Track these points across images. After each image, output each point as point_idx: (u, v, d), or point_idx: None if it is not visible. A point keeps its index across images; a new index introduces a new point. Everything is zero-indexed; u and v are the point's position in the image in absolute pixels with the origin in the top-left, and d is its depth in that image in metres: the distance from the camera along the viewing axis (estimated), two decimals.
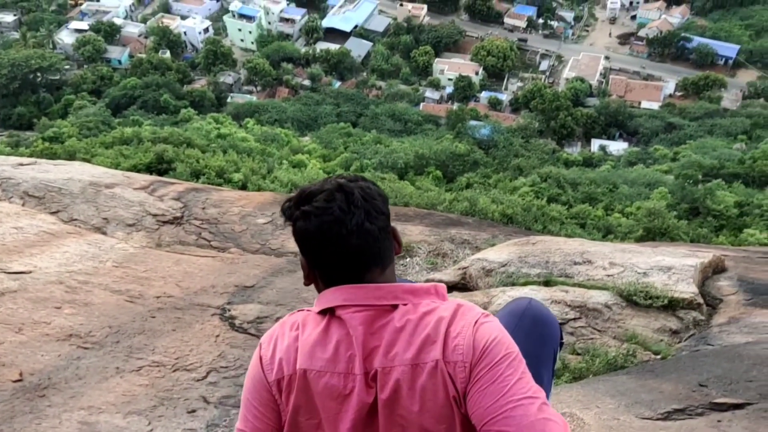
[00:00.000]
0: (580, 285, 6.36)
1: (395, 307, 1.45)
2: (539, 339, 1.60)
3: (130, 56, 64.45)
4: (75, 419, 4.68)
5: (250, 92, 63.39)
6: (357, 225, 1.44)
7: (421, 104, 61.68)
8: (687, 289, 5.96)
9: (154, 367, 5.65)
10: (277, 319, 7.17)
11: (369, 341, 1.43)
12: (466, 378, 1.42)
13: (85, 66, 61.78)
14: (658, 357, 4.84)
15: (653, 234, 22.04)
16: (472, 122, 52.90)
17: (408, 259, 8.45)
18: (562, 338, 2.03)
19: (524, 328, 1.59)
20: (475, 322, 1.45)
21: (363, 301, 1.45)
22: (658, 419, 2.30)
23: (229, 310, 6.96)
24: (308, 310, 1.53)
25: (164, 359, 5.76)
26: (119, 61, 64.07)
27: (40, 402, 4.81)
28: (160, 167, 21.75)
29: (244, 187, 19.69)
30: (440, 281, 6.94)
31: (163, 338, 6.09)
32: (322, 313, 1.49)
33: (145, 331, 6.09)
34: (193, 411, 5.14)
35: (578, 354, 5.28)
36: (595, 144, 54.81)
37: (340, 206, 1.44)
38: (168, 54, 63.57)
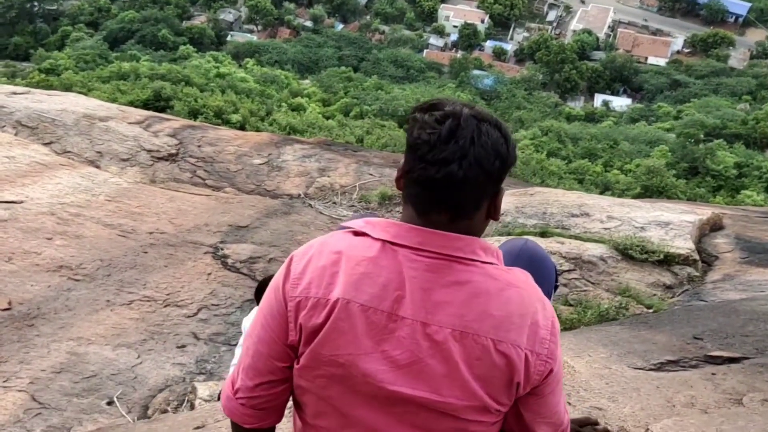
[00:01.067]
0: (576, 237, 6.31)
1: (469, 261, 1.33)
2: (535, 278, 1.53)
3: None
4: (63, 349, 4.68)
5: (251, 31, 62.11)
6: (443, 160, 1.30)
7: (425, 51, 60.63)
8: (683, 245, 5.92)
9: (145, 301, 5.64)
10: (271, 260, 7.15)
11: (436, 292, 1.32)
12: (546, 373, 1.34)
13: None
14: (650, 311, 4.83)
15: (651, 192, 21.99)
16: (476, 72, 52.12)
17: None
18: (557, 280, 1.97)
19: (520, 267, 1.51)
20: (554, 319, 1.38)
21: (438, 249, 1.33)
22: (650, 369, 2.27)
23: (222, 249, 6.93)
24: (354, 233, 1.38)
25: (155, 294, 5.75)
26: None
27: (29, 331, 4.80)
28: (157, 104, 21.44)
29: (242, 128, 19.46)
30: None
31: (154, 274, 6.06)
32: (376, 239, 1.36)
33: (136, 265, 6.06)
34: (183, 346, 5.15)
35: (571, 305, 5.27)
36: (599, 99, 54.18)
37: (441, 132, 1.30)
38: None
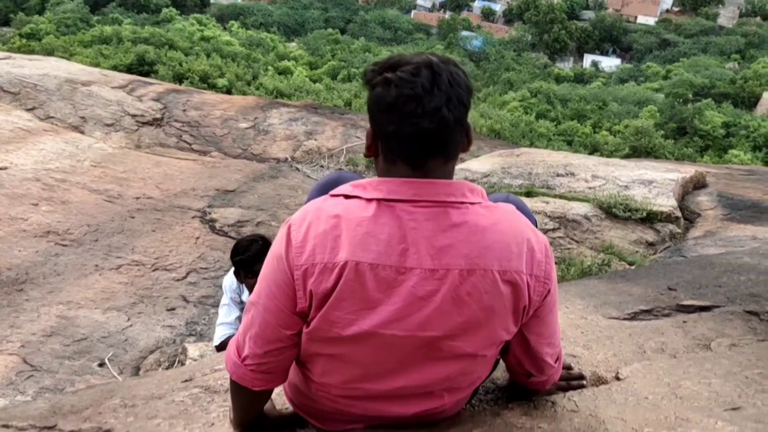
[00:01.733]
0: (561, 196, 6.37)
1: (460, 204, 1.39)
2: None
3: None
4: (53, 313, 4.72)
5: None
6: (434, 108, 1.34)
7: (413, 12, 59.86)
8: (666, 203, 5.99)
9: (134, 266, 5.67)
10: (259, 223, 7.18)
11: (438, 239, 1.36)
12: (545, 294, 1.43)
13: None
14: (632, 267, 4.92)
15: (639, 153, 22.06)
16: (464, 33, 51.61)
17: None
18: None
19: None
20: (546, 243, 1.46)
21: (432, 197, 1.37)
22: (624, 319, 2.34)
23: (210, 213, 6.94)
24: (347, 196, 1.42)
25: (144, 259, 5.77)
26: None
27: (18, 296, 4.83)
28: (141, 69, 21.11)
29: (228, 92, 19.25)
30: None
31: (142, 238, 6.08)
32: (370, 199, 1.39)
33: (124, 230, 6.07)
34: (173, 309, 5.20)
35: (555, 263, 5.36)
36: (588, 59, 53.89)
37: (422, 83, 1.34)
38: None
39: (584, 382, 1.84)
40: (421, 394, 1.49)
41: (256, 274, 2.09)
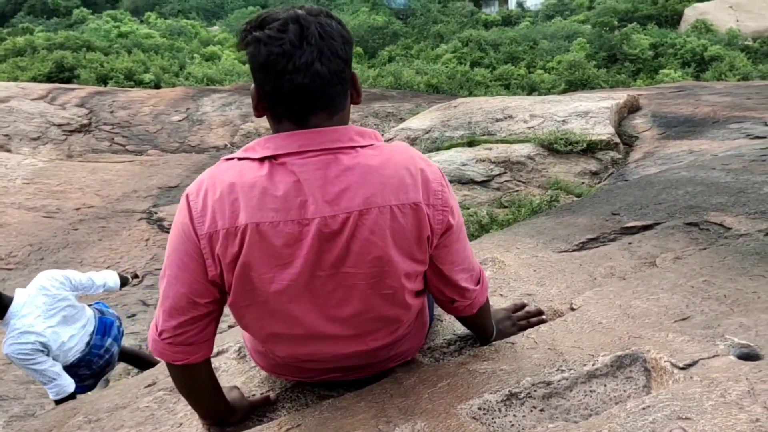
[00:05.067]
0: (502, 141, 6.43)
1: (350, 149, 1.40)
2: None
3: None
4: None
5: None
6: (305, 63, 1.33)
7: None
8: (604, 131, 6.11)
9: None
10: None
11: (332, 185, 1.38)
12: (445, 221, 1.46)
13: None
14: (579, 199, 5.02)
15: (575, 86, 22.36)
16: None
17: None
18: None
19: None
20: (442, 173, 1.51)
21: (320, 146, 1.38)
22: (573, 251, 2.38)
23: (156, 213, 6.78)
24: (239, 158, 1.42)
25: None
26: None
27: None
28: (61, 76, 20.26)
29: (157, 87, 18.67)
30: None
31: (89, 249, 5.92)
32: (261, 159, 1.39)
33: (69, 244, 5.90)
34: (133, 315, 5.10)
35: (505, 207, 5.43)
36: (512, 1, 54.00)
37: (290, 39, 1.33)
38: None
39: (544, 317, 1.88)
40: (362, 333, 1.54)
41: None
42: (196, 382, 1.58)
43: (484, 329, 1.77)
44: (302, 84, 1.34)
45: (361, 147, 1.41)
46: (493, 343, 1.76)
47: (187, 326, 1.47)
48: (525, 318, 1.86)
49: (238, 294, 1.44)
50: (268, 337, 1.55)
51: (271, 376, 1.77)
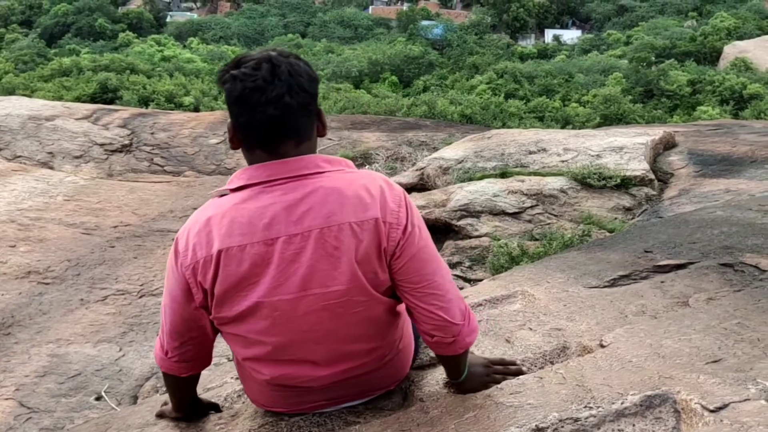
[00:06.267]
0: (535, 173, 6.42)
1: (315, 174, 1.56)
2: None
3: None
4: (44, 353, 4.68)
5: (190, 9, 60.55)
6: (276, 96, 1.51)
7: (370, 8, 59.76)
8: (638, 167, 6.06)
9: (120, 295, 5.63)
10: None
11: (297, 206, 1.53)
12: (400, 239, 1.57)
13: None
14: (611, 235, 4.97)
15: (610, 120, 22.26)
16: (424, 22, 51.60)
17: (367, 166, 8.40)
18: None
19: None
20: (404, 194, 1.62)
21: (286, 174, 1.54)
22: (605, 286, 2.37)
23: None
24: (220, 196, 1.63)
25: (129, 287, 5.74)
26: None
27: (7, 340, 4.78)
28: (105, 96, 20.90)
29: (196, 110, 19.11)
30: (399, 183, 6.93)
31: (125, 266, 6.04)
32: (237, 189, 1.58)
33: (105, 261, 6.03)
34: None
35: (536, 240, 5.40)
36: (549, 34, 54.17)
37: (263, 76, 1.51)
38: None
39: (522, 368, 1.85)
40: (339, 355, 1.65)
41: None
42: (186, 387, 1.84)
43: (456, 369, 1.77)
44: (273, 115, 1.51)
45: (329, 172, 1.57)
46: (520, 377, 1.76)
47: (187, 345, 1.70)
48: (502, 373, 1.82)
49: (217, 315, 1.62)
50: (248, 359, 1.70)
51: (267, 410, 1.87)
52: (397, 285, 1.61)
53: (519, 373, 1.84)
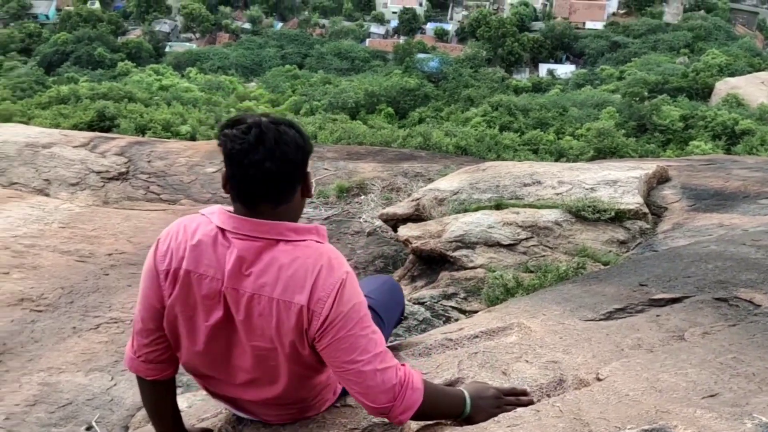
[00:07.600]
0: (530, 205, 6.46)
1: (278, 241, 1.69)
2: (391, 301, 2.29)
3: (58, 10, 61.28)
4: (35, 381, 4.63)
5: (189, 40, 61.19)
6: (258, 161, 1.63)
7: (367, 40, 60.54)
8: (632, 200, 6.10)
9: (113, 323, 5.59)
10: None
11: (243, 265, 1.68)
12: (319, 328, 1.67)
13: (11, 24, 58.60)
14: (606, 267, 4.99)
15: (604, 153, 22.44)
16: (420, 55, 52.27)
17: (363, 197, 8.44)
18: (403, 314, 2.53)
19: (384, 290, 2.29)
20: (341, 283, 1.68)
21: (247, 232, 1.69)
22: (600, 320, 2.38)
23: None
24: (207, 216, 1.78)
25: (122, 315, 5.70)
26: (47, 16, 60.92)
27: None
28: (102, 125, 20.95)
29: (193, 139, 19.19)
30: (394, 214, 6.97)
31: (118, 294, 6.01)
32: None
33: (99, 289, 6.00)
34: None
35: (531, 272, 5.41)
36: (543, 68, 54.94)
37: (249, 140, 1.63)
38: (97, 4, 60.67)
39: (533, 399, 1.86)
40: (254, 382, 1.82)
41: None
42: (160, 399, 1.93)
43: (441, 416, 1.81)
44: (254, 177, 1.65)
45: (287, 241, 1.68)
46: (517, 409, 1.76)
47: (156, 345, 1.83)
48: (514, 404, 1.82)
49: (167, 320, 1.78)
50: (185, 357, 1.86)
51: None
52: (323, 359, 1.74)
53: (530, 403, 1.84)
